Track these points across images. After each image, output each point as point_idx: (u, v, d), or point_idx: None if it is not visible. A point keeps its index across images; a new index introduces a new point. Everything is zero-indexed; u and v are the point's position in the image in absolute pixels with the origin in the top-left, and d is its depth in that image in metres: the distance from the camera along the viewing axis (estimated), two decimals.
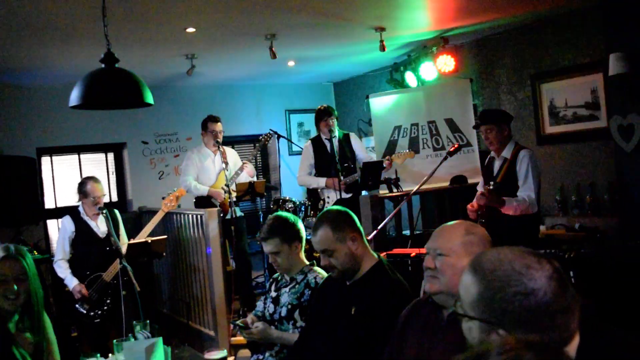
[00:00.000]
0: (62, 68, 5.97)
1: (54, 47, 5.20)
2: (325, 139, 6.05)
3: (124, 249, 4.65)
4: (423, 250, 2.16)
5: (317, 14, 4.91)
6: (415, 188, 4.84)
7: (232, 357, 5.03)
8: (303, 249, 3.21)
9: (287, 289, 3.16)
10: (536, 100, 6.06)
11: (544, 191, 5.12)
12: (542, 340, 1.01)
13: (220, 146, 6.03)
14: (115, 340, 2.79)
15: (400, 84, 7.06)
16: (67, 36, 4.84)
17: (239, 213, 6.01)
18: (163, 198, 5.28)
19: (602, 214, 5.42)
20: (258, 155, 8.48)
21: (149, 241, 4.87)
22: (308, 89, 8.85)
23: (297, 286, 3.12)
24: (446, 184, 5.97)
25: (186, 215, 5.65)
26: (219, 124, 6.08)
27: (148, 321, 2.95)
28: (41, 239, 6.67)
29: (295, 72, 7.75)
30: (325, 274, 3.01)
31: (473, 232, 2.01)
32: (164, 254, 5.20)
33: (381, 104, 6.71)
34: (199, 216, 5.41)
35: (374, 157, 6.69)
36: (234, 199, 5.82)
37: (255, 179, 6.27)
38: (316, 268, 3.16)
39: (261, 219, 6.48)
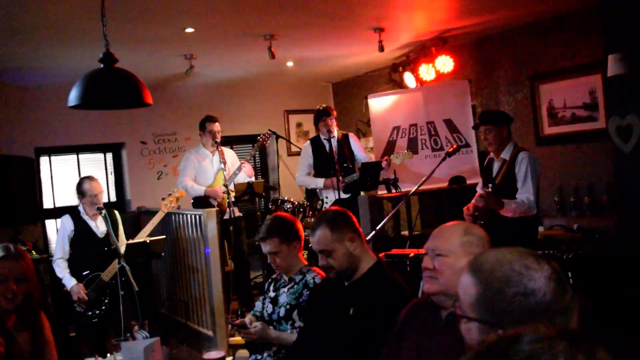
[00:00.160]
0: (60, 68, 5.97)
1: (52, 47, 5.20)
2: (324, 139, 6.05)
3: (122, 249, 4.65)
4: (422, 251, 2.16)
5: (316, 15, 4.91)
6: (413, 188, 4.84)
7: (231, 357, 5.02)
8: (302, 249, 3.21)
9: (285, 289, 3.16)
10: (535, 101, 6.07)
11: (543, 192, 5.13)
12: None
13: (218, 146, 6.03)
14: (113, 340, 2.79)
15: (399, 85, 7.06)
16: (66, 36, 4.84)
17: (237, 213, 6.01)
18: (163, 199, 5.28)
19: (600, 215, 5.43)
20: (257, 154, 8.49)
21: (148, 241, 4.87)
22: (307, 89, 8.85)
23: (295, 286, 3.12)
24: (445, 184, 5.97)
25: (185, 216, 5.65)
26: (217, 124, 6.08)
27: (146, 321, 2.94)
28: (39, 238, 6.66)
29: (294, 73, 7.75)
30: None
31: (472, 232, 2.01)
32: (163, 254, 5.20)
33: (380, 104, 6.70)
34: (197, 216, 5.40)
35: (372, 157, 6.69)
36: (233, 199, 5.81)
37: (253, 179, 6.26)
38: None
39: (260, 219, 6.48)
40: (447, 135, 6.34)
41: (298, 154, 6.79)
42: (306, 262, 3.24)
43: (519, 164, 4.17)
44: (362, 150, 6.24)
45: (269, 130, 6.57)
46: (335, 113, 6.11)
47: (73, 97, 3.04)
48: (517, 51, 6.23)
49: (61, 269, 4.77)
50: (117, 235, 4.83)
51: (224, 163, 5.99)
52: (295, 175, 6.41)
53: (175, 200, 5.25)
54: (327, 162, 5.96)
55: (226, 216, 5.88)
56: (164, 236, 5.21)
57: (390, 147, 6.53)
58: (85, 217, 4.86)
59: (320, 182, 6.01)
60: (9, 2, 3.88)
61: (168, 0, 4.16)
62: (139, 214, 6.97)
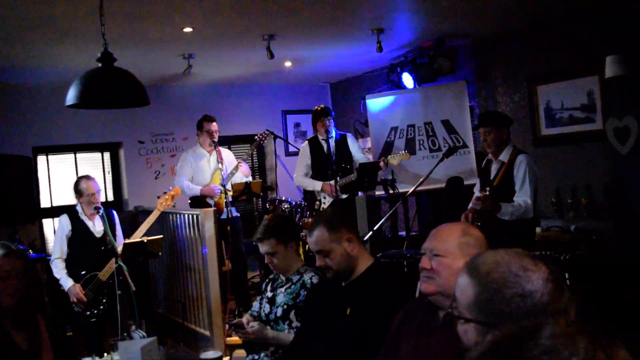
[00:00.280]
0: (58, 67, 5.96)
1: (50, 46, 5.19)
2: (322, 139, 6.04)
3: (120, 249, 4.65)
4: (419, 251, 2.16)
5: (314, 15, 4.91)
6: (411, 189, 4.84)
7: (228, 358, 5.02)
8: (299, 249, 3.21)
9: (283, 289, 3.16)
10: (532, 102, 6.08)
11: (540, 193, 5.13)
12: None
13: (216, 146, 6.02)
14: (110, 340, 2.79)
15: (397, 85, 7.06)
16: (64, 35, 4.83)
17: (234, 213, 6.00)
18: (158, 197, 5.28)
19: (597, 216, 5.44)
20: (254, 153, 8.49)
21: (145, 241, 4.86)
22: (305, 89, 8.85)
23: (292, 286, 3.12)
24: (442, 185, 5.97)
25: (182, 215, 5.65)
26: (214, 123, 6.08)
27: (143, 321, 2.94)
28: (37, 238, 6.65)
29: (292, 73, 7.75)
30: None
31: (469, 233, 2.02)
32: (160, 253, 5.19)
33: (378, 105, 6.71)
34: (195, 216, 5.40)
35: (370, 158, 6.70)
36: (230, 199, 5.81)
37: (250, 178, 6.26)
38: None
39: (257, 219, 6.48)
40: (444, 136, 6.35)
41: (296, 154, 6.79)
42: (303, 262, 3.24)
43: (518, 166, 4.17)
44: (359, 151, 6.24)
45: (267, 130, 6.57)
46: (333, 113, 6.12)
47: (71, 96, 3.03)
48: (514, 52, 6.24)
49: (59, 270, 4.77)
50: (114, 234, 4.83)
51: (221, 163, 5.99)
52: (293, 176, 6.41)
53: (170, 199, 5.24)
54: (325, 162, 5.96)
55: (223, 216, 5.87)
56: (162, 236, 5.20)
57: (387, 148, 6.53)
58: (82, 217, 4.85)
59: (317, 185, 5.99)
60: (7, 1, 3.88)
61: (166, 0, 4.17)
62: (137, 214, 6.96)
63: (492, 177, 4.35)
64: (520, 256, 1.40)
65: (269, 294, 3.24)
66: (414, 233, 6.18)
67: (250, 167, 6.47)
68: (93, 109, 6.10)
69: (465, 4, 5.01)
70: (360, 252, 2.68)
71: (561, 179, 5.80)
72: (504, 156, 4.27)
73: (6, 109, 6.70)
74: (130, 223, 6.58)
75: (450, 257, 1.97)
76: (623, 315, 3.22)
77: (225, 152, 6.31)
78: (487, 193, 3.96)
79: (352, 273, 2.67)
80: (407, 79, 6.82)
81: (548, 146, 5.95)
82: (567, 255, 3.46)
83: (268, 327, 3.10)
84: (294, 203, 6.04)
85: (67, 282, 4.72)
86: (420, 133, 6.47)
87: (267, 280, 3.38)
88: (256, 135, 6.39)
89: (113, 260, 4.58)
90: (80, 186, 4.81)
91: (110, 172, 7.69)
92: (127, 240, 4.93)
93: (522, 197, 4.10)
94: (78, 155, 7.39)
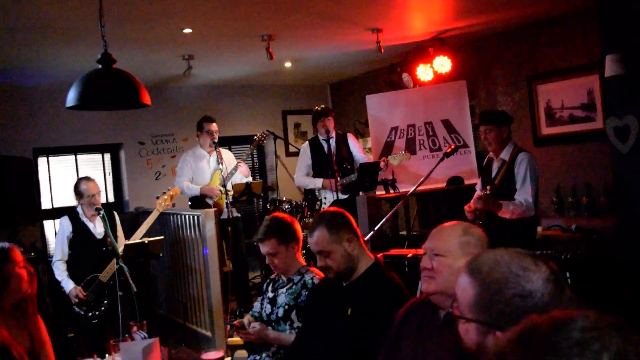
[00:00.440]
0: (58, 68, 5.97)
1: (50, 48, 5.20)
2: (323, 139, 6.04)
3: (121, 250, 4.65)
4: (420, 251, 2.16)
5: (314, 15, 4.91)
6: (412, 189, 4.84)
7: (229, 358, 5.01)
8: (300, 249, 3.21)
9: (284, 290, 3.16)
10: (532, 102, 6.08)
11: (541, 192, 5.13)
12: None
13: (216, 146, 6.02)
14: (112, 341, 2.79)
15: (397, 85, 7.05)
16: (64, 37, 4.83)
17: (235, 214, 6.00)
18: (157, 197, 5.28)
19: (598, 215, 5.44)
20: (254, 153, 8.50)
21: (146, 242, 4.86)
22: (305, 89, 8.85)
23: (294, 287, 3.12)
24: (443, 184, 5.98)
25: (183, 216, 5.64)
26: (214, 124, 6.09)
27: (145, 321, 2.94)
28: (37, 239, 6.65)
29: (292, 73, 7.75)
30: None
31: (470, 232, 2.02)
32: (161, 254, 5.19)
33: (378, 104, 6.71)
34: (196, 217, 5.40)
35: (371, 158, 6.70)
36: (231, 200, 5.81)
37: (251, 179, 6.26)
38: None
39: (258, 220, 6.47)
40: (445, 136, 6.35)
41: (296, 154, 6.79)
42: (304, 263, 3.24)
43: (519, 164, 4.17)
44: (360, 151, 6.24)
45: (267, 130, 6.57)
46: (333, 113, 6.12)
47: (71, 97, 3.04)
48: (514, 51, 6.24)
49: (60, 272, 4.77)
50: (115, 236, 4.83)
51: (221, 163, 5.98)
52: (294, 176, 6.41)
53: (169, 199, 5.23)
54: (326, 162, 5.96)
55: (224, 216, 5.87)
56: (162, 237, 5.20)
57: (388, 148, 6.53)
58: (83, 218, 4.85)
59: (318, 182, 6.01)
60: (7, 2, 3.88)
61: (166, 1, 4.16)
62: (137, 215, 6.96)
63: (493, 175, 4.35)
64: (521, 256, 1.40)
65: (270, 295, 3.24)
66: (414, 233, 6.18)
67: (250, 168, 6.47)
68: (93, 111, 6.11)
69: (465, 3, 5.01)
70: (360, 252, 2.69)
71: (562, 178, 5.80)
72: (505, 154, 4.27)
73: (7, 110, 6.71)
74: (131, 224, 6.58)
75: (451, 256, 1.97)
76: (623, 315, 3.21)
77: (225, 153, 6.31)
78: (488, 192, 3.96)
79: (353, 273, 2.67)
80: (407, 79, 6.81)
81: (548, 145, 5.95)
82: (568, 254, 3.46)
83: (269, 328, 3.10)
84: (294, 203, 6.04)
85: (68, 285, 4.72)
86: (420, 133, 6.47)
87: (268, 280, 3.38)
88: (256, 135, 6.40)
89: (114, 261, 4.58)
90: (80, 187, 4.81)
91: (111, 174, 7.69)
92: (128, 241, 4.93)
93: (523, 195, 4.10)
94: (78, 156, 7.40)
